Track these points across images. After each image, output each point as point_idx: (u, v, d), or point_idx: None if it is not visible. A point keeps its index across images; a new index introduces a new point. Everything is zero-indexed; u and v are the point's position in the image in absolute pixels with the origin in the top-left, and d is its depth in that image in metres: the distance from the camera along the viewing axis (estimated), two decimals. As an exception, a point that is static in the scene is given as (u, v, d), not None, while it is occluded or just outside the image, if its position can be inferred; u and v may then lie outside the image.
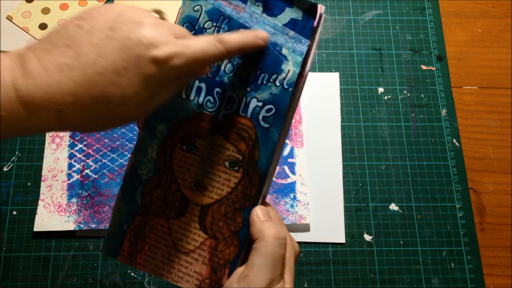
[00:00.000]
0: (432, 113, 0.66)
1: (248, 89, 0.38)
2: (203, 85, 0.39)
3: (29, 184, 0.59)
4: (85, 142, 0.61)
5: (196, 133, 0.39)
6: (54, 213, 0.57)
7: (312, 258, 0.58)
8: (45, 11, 0.68)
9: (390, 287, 0.58)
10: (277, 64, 0.37)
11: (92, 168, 0.60)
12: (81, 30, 0.30)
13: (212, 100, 0.38)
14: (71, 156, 0.61)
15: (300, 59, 0.36)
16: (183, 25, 0.39)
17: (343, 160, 0.63)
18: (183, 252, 0.39)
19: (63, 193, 0.58)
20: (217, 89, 0.38)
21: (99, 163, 0.60)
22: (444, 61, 0.70)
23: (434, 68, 0.69)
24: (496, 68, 0.70)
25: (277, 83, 0.37)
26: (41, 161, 0.60)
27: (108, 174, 0.60)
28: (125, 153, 0.61)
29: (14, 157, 0.61)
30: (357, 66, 0.69)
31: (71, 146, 0.61)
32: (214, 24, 0.38)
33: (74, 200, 0.58)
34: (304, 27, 0.37)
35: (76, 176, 0.59)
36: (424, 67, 0.69)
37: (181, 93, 0.39)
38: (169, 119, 0.39)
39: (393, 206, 0.61)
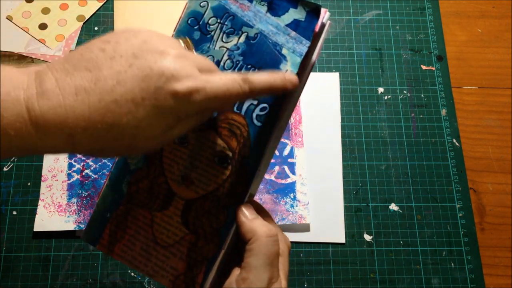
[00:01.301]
0: (432, 113, 0.66)
1: None
2: None
3: (29, 184, 0.59)
4: (85, 142, 0.61)
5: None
6: (54, 213, 0.57)
7: (312, 258, 0.58)
8: (45, 11, 0.68)
9: (390, 287, 0.58)
10: (275, 63, 0.37)
11: (92, 168, 0.60)
12: (104, 53, 0.29)
13: None
14: (71, 156, 0.60)
15: (298, 60, 0.36)
16: (187, 20, 0.38)
17: (343, 160, 0.63)
18: (162, 246, 0.38)
19: (63, 193, 0.58)
20: None
21: (99, 163, 0.60)
22: (444, 61, 0.70)
23: (434, 68, 0.69)
24: (496, 68, 0.70)
25: None
26: (41, 161, 0.60)
27: (108, 174, 0.60)
28: (125, 153, 0.61)
29: (14, 157, 0.61)
30: (357, 66, 0.69)
31: (71, 146, 0.61)
32: (218, 21, 0.38)
33: (74, 200, 0.58)
34: (306, 28, 0.37)
35: (76, 176, 0.59)
36: (424, 67, 0.69)
37: None
38: None
39: (393, 206, 0.61)
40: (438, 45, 0.70)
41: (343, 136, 0.64)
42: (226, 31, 0.38)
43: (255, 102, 0.37)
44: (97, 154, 0.30)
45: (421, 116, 0.66)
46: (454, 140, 0.65)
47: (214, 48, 0.38)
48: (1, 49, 0.65)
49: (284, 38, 0.37)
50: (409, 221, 0.61)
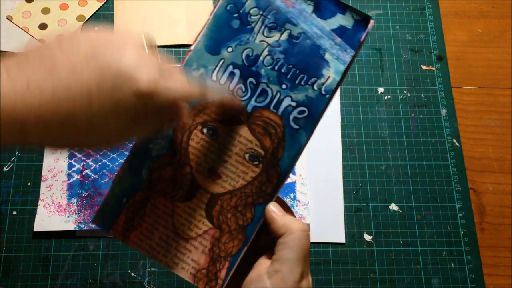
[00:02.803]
0: (432, 113, 0.66)
1: (284, 86, 0.37)
2: (237, 71, 0.37)
3: (29, 184, 0.59)
4: (85, 142, 0.61)
5: (221, 118, 0.37)
6: (54, 213, 0.57)
7: (312, 258, 0.58)
8: (45, 11, 0.68)
9: (390, 287, 0.58)
10: (318, 67, 0.37)
11: (92, 168, 0.60)
12: (60, 50, 0.28)
13: (243, 89, 0.37)
14: (71, 156, 0.61)
15: (342, 68, 0.36)
16: (226, 6, 0.38)
17: (343, 160, 0.63)
18: (183, 238, 0.37)
19: (63, 193, 0.58)
20: (251, 79, 0.37)
21: (99, 163, 0.60)
22: (444, 61, 0.70)
23: (434, 68, 0.69)
24: (496, 68, 0.70)
25: (315, 87, 0.37)
26: (41, 161, 0.60)
27: (108, 174, 0.60)
28: (125, 153, 0.61)
29: (14, 157, 0.61)
30: (357, 66, 0.69)
31: (71, 146, 0.61)
32: (260, 13, 0.37)
33: (74, 200, 0.58)
34: (352, 37, 0.36)
35: (76, 176, 0.59)
36: (424, 67, 0.69)
37: (211, 74, 0.37)
38: None
39: (393, 206, 0.61)
40: (438, 45, 0.70)
41: (343, 136, 0.64)
42: (268, 25, 0.37)
43: (294, 104, 0.37)
44: (49, 146, 0.30)
45: (421, 116, 0.66)
46: (454, 140, 0.65)
47: (254, 41, 0.37)
48: (1, 49, 0.65)
49: (328, 43, 0.37)
50: (409, 221, 0.61)
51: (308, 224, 0.59)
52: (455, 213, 0.61)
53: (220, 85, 0.36)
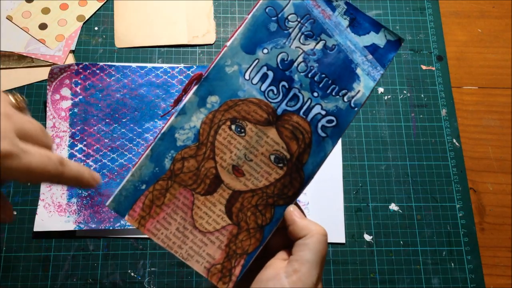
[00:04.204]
0: (432, 113, 0.66)
1: (316, 94, 0.38)
2: (270, 73, 0.38)
3: (29, 184, 0.59)
4: (85, 142, 0.61)
5: (249, 117, 0.38)
6: (54, 213, 0.57)
7: (312, 258, 0.58)
8: (45, 11, 0.68)
9: (390, 287, 0.58)
10: (349, 80, 0.38)
11: (92, 168, 0.60)
12: None
13: (275, 91, 0.38)
14: (71, 156, 0.60)
15: (372, 84, 0.38)
16: (265, 8, 0.39)
17: (343, 160, 0.63)
18: (200, 231, 0.37)
19: (63, 193, 0.58)
20: (283, 83, 0.38)
21: (99, 163, 0.60)
22: (444, 61, 0.70)
23: (434, 68, 0.69)
24: (496, 68, 0.70)
25: (345, 99, 0.38)
26: (41, 161, 0.60)
27: (108, 174, 0.60)
28: (125, 153, 0.61)
29: None
30: (357, 66, 0.69)
31: (71, 146, 0.61)
32: (298, 20, 0.38)
33: (74, 200, 0.58)
34: (383, 56, 0.38)
35: (76, 176, 0.59)
36: (424, 67, 0.69)
37: (244, 73, 0.38)
38: (225, 93, 0.38)
39: (393, 206, 0.61)
40: (438, 45, 0.70)
41: (343, 136, 0.64)
42: (305, 33, 0.38)
43: (323, 112, 0.38)
44: None
45: (421, 116, 0.66)
46: (454, 140, 0.65)
47: (290, 46, 0.38)
48: (1, 49, 0.65)
49: (360, 58, 0.38)
50: (409, 221, 0.61)
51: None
52: (455, 213, 0.61)
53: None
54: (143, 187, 0.37)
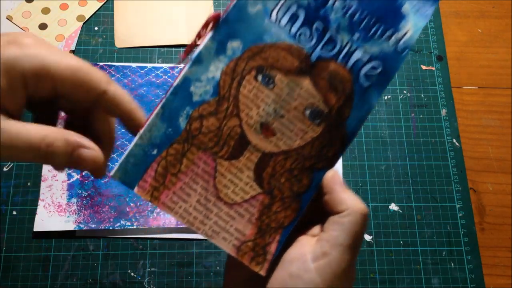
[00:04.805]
0: (432, 113, 0.66)
1: (357, 35, 0.32)
2: (301, 12, 0.32)
3: (29, 184, 0.59)
4: (85, 142, 0.61)
5: (279, 66, 0.32)
6: (54, 213, 0.57)
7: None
8: (45, 11, 0.68)
9: (390, 287, 0.58)
10: (395, 20, 0.32)
11: (92, 168, 0.60)
12: None
13: (308, 34, 0.32)
14: (71, 156, 0.60)
15: (422, 22, 0.32)
16: None
17: (343, 160, 0.63)
18: (225, 203, 0.32)
19: (63, 193, 0.58)
20: (317, 24, 0.32)
21: (99, 163, 0.60)
22: (444, 61, 0.70)
23: (434, 68, 0.69)
24: (496, 68, 0.70)
25: (391, 41, 0.32)
26: (41, 161, 0.60)
27: (108, 174, 0.60)
28: (122, 151, 0.61)
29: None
30: (357, 66, 0.69)
31: (71, 146, 0.61)
32: None
33: (74, 200, 0.58)
34: None
35: (76, 176, 0.59)
36: (424, 67, 0.69)
37: (271, 13, 0.32)
38: (249, 38, 0.32)
39: (393, 206, 0.61)
40: (438, 45, 0.70)
41: (343, 136, 0.64)
42: None
43: (366, 58, 0.32)
44: None
45: (421, 116, 0.66)
46: (454, 140, 0.65)
47: None
48: (1, 49, 0.65)
49: None
50: (409, 221, 0.61)
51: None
52: (455, 213, 0.61)
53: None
54: (154, 152, 0.31)
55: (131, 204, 0.58)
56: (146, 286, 0.56)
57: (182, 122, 0.32)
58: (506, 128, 0.66)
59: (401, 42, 0.32)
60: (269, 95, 0.32)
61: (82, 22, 0.68)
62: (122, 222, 0.57)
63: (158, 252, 0.57)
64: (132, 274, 0.56)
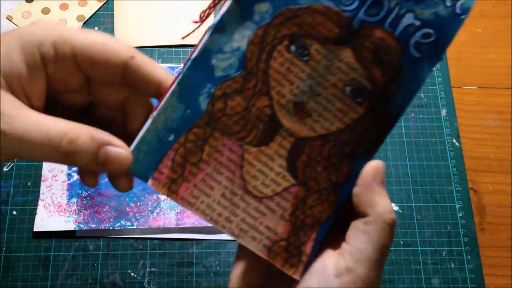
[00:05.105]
0: (432, 113, 0.66)
1: None
2: None
3: (29, 184, 0.59)
4: (85, 142, 0.61)
5: (315, 33, 0.27)
6: (54, 213, 0.57)
7: (312, 258, 0.58)
8: (45, 11, 0.68)
9: (390, 287, 0.58)
10: None
11: (92, 168, 0.60)
12: None
13: None
14: (71, 156, 0.60)
15: (471, 3, 0.27)
16: None
17: (343, 160, 0.63)
18: (254, 196, 0.28)
19: (63, 193, 0.58)
20: None
21: (99, 163, 0.60)
22: (444, 61, 0.70)
23: (434, 68, 0.69)
24: (496, 68, 0.70)
25: (448, 3, 0.27)
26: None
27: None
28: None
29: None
30: (357, 66, 0.69)
31: (71, 146, 0.61)
32: None
33: (74, 200, 0.58)
34: None
35: (76, 176, 0.59)
36: (424, 67, 0.69)
37: None
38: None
39: (393, 206, 0.61)
40: (438, 45, 0.70)
41: (343, 136, 0.64)
42: None
43: (417, 23, 0.27)
44: None
45: (421, 116, 0.66)
46: (454, 140, 0.65)
47: None
48: (1, 49, 0.65)
49: None
50: (409, 221, 0.61)
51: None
52: (455, 213, 0.61)
53: None
54: (171, 137, 0.27)
55: (131, 204, 0.58)
56: (146, 286, 0.56)
57: (203, 102, 0.27)
58: (506, 128, 0.66)
59: (460, 2, 0.27)
60: (304, 69, 0.27)
61: (82, 22, 0.68)
62: (122, 222, 0.57)
63: (158, 252, 0.57)
64: (132, 274, 0.56)
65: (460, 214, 0.61)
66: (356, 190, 0.28)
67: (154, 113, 0.27)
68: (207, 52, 0.27)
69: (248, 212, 0.28)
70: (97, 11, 0.69)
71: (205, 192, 0.27)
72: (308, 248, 0.28)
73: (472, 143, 0.65)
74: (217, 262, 0.57)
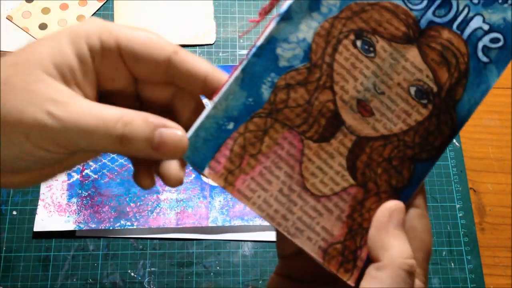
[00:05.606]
0: (432, 113, 0.66)
1: (475, 0, 0.27)
2: None
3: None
4: (85, 142, 0.61)
5: (381, 31, 0.27)
6: (54, 213, 0.57)
7: (312, 258, 0.58)
8: (45, 11, 0.68)
9: (390, 287, 0.58)
10: None
11: (92, 168, 0.60)
12: None
13: None
14: (71, 156, 0.60)
15: None
16: None
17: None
18: (312, 194, 0.26)
19: (63, 193, 0.58)
20: None
21: (99, 163, 0.60)
22: (444, 61, 0.70)
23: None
24: (496, 68, 0.70)
25: None
26: (41, 161, 0.60)
27: (108, 174, 0.60)
28: (125, 153, 0.61)
29: None
30: (357, 66, 0.69)
31: (71, 146, 0.61)
32: None
33: (74, 200, 0.58)
34: None
35: (76, 176, 0.59)
36: (424, 67, 0.69)
37: None
38: None
39: (393, 206, 0.61)
40: (438, 45, 0.70)
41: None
42: None
43: (486, 27, 0.27)
44: None
45: (421, 116, 0.66)
46: (454, 140, 0.65)
47: None
48: (1, 49, 0.65)
49: None
50: (409, 221, 0.61)
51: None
52: (455, 213, 0.61)
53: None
54: (230, 126, 0.26)
55: (131, 204, 0.58)
56: (146, 286, 0.56)
57: (266, 91, 0.26)
58: (506, 128, 0.66)
59: None
60: (369, 65, 0.27)
61: (82, 22, 0.68)
62: (122, 222, 0.57)
63: (158, 252, 0.57)
64: (132, 274, 0.56)
65: (460, 214, 0.61)
66: (370, 232, 0.26)
67: (215, 99, 0.26)
68: (272, 40, 0.26)
69: (305, 211, 0.26)
70: (97, 11, 0.69)
71: (262, 187, 0.26)
72: (364, 253, 0.27)
73: (472, 143, 0.65)
74: (217, 262, 0.57)
